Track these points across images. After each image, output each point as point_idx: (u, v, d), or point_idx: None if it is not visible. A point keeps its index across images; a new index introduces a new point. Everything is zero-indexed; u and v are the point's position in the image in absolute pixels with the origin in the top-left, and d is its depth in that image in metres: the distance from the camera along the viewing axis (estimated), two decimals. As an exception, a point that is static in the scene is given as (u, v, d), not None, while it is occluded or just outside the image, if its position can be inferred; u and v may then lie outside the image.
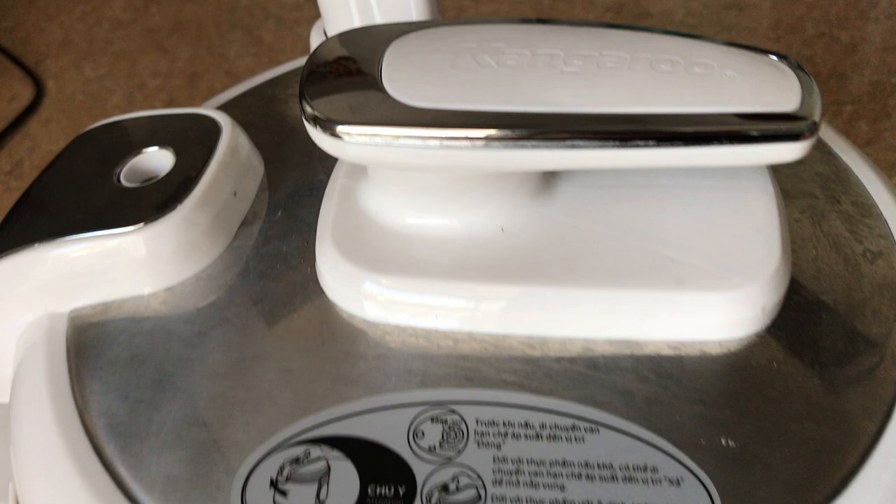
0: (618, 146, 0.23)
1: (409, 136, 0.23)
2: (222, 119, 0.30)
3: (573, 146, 0.23)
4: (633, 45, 0.25)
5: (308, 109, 0.24)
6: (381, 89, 0.24)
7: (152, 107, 0.83)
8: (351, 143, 0.23)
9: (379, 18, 0.31)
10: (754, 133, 0.23)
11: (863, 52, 0.82)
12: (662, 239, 0.25)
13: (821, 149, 0.31)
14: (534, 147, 0.23)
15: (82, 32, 0.93)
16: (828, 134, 0.32)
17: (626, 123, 0.23)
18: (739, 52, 0.25)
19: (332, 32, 0.32)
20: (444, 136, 0.23)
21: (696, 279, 0.24)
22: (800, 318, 0.25)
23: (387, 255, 0.25)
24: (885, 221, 0.28)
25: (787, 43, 0.83)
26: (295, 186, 0.30)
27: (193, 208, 0.27)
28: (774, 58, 0.25)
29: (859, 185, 0.30)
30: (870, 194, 0.29)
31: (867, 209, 0.29)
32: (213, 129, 0.29)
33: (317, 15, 0.33)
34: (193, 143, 0.29)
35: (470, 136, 0.23)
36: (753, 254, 0.24)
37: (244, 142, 0.30)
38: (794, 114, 0.23)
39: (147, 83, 0.86)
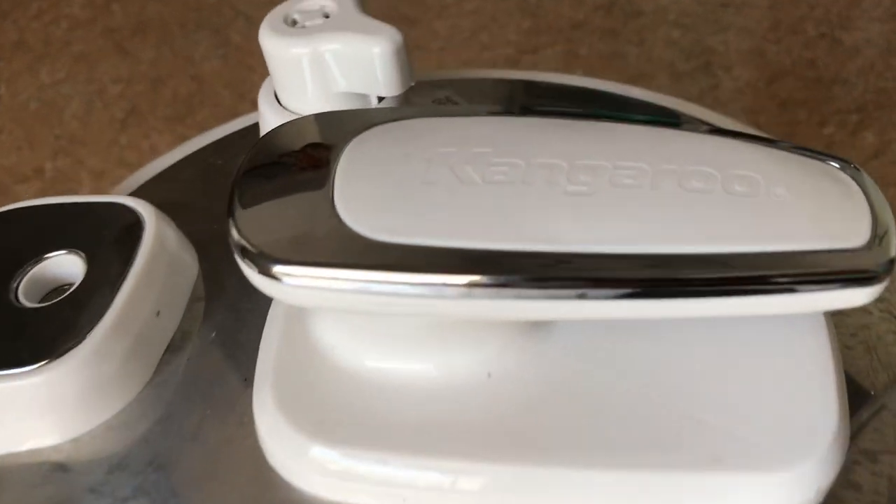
0: (638, 298, 0.17)
1: (368, 281, 0.18)
2: (145, 211, 0.24)
3: (580, 297, 0.17)
4: (654, 151, 0.19)
5: (235, 235, 0.18)
6: (334, 213, 0.18)
7: (111, 116, 0.77)
8: (291, 286, 0.18)
9: (341, 83, 0.26)
10: (814, 280, 0.17)
11: (866, 56, 0.78)
12: (691, 395, 0.20)
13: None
14: (529, 298, 0.17)
15: (38, 32, 0.87)
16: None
17: (649, 268, 0.17)
18: (788, 158, 0.19)
19: (282, 96, 0.27)
20: (412, 282, 0.17)
21: (737, 454, 0.19)
22: (858, 496, 0.20)
23: (341, 413, 0.20)
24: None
25: (788, 45, 0.78)
26: (237, 293, 0.24)
27: (106, 337, 0.21)
28: (833, 164, 0.19)
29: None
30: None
31: (931, 329, 0.23)
32: (133, 225, 0.24)
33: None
34: (109, 245, 0.23)
35: (447, 282, 0.17)
36: (805, 417, 0.19)
37: (171, 237, 0.24)
38: (863, 248, 0.18)
39: (107, 89, 0.80)
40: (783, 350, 0.20)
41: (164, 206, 0.26)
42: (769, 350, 0.20)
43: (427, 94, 0.31)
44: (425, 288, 0.17)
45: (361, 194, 0.18)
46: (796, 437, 0.19)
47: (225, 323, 0.24)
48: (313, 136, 0.20)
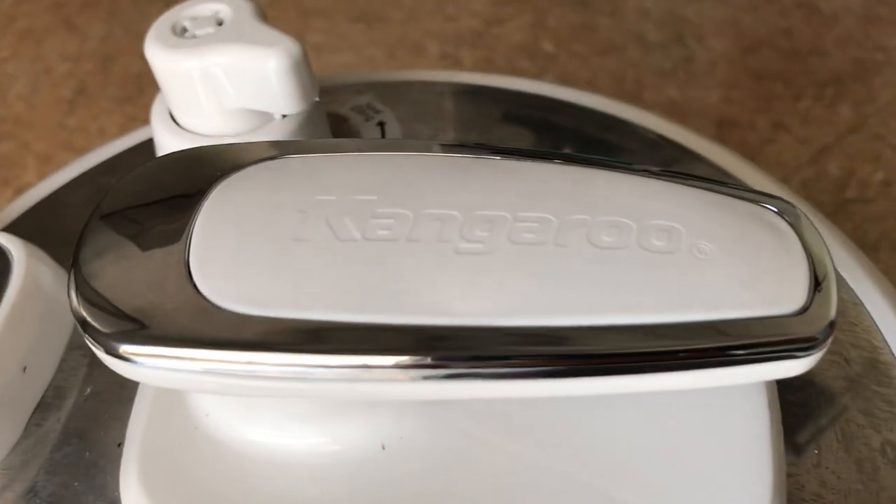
0: (534, 378, 0.15)
1: (221, 362, 0.15)
2: (14, 248, 0.22)
3: (467, 377, 0.15)
4: (564, 195, 0.17)
5: (76, 304, 0.16)
6: (188, 279, 0.16)
7: (59, 96, 0.73)
8: (141, 366, 0.15)
9: (234, 101, 0.23)
10: (742, 355, 0.15)
11: (845, 24, 0.75)
12: (608, 468, 0.17)
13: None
14: (410, 381, 0.15)
15: (-21, 7, 0.83)
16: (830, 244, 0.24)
17: (548, 345, 0.15)
18: (717, 202, 0.17)
19: (176, 113, 0.24)
20: (273, 363, 0.15)
21: (654, 540, 0.17)
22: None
23: (211, 495, 0.18)
24: (909, 388, 0.21)
25: (763, 14, 0.75)
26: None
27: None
28: (769, 206, 0.17)
29: (873, 330, 0.22)
30: (888, 344, 0.22)
31: (885, 371, 0.21)
32: (1, 265, 0.21)
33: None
34: (-30, 290, 0.21)
35: (312, 363, 0.15)
36: (735, 490, 0.17)
37: (47, 278, 0.22)
38: (800, 312, 0.15)
39: (54, 67, 0.76)
40: (713, 410, 0.18)
41: (46, 236, 0.23)
42: (697, 411, 0.18)
43: (346, 100, 0.28)
44: (290, 369, 0.15)
45: (220, 255, 0.16)
46: (724, 519, 0.17)
47: (105, 376, 0.21)
48: (175, 181, 0.17)
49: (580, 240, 0.16)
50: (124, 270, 0.16)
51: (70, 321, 0.22)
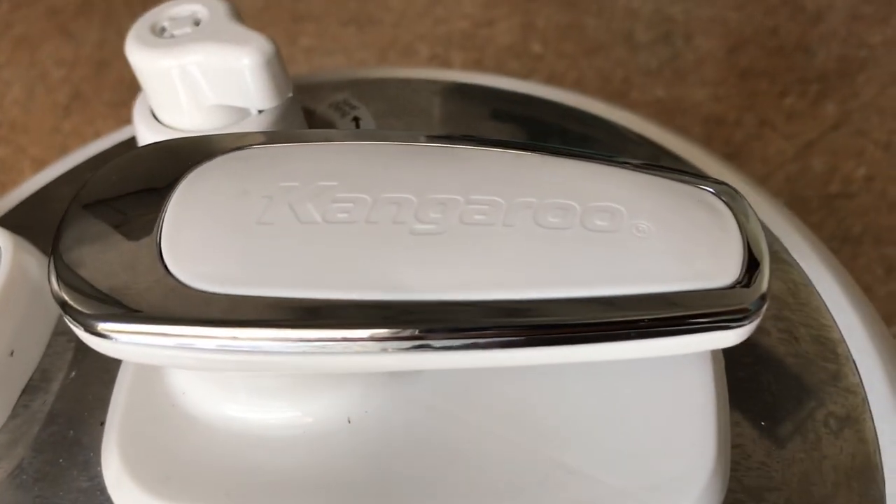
0: (484, 348, 0.16)
1: (192, 337, 0.16)
2: (1, 239, 0.23)
3: (422, 349, 0.16)
4: (512, 180, 0.18)
5: (55, 287, 0.17)
6: (160, 261, 0.17)
7: (54, 101, 0.75)
8: (118, 343, 0.16)
9: (211, 98, 0.24)
10: (676, 325, 0.16)
11: (829, 22, 0.76)
12: (559, 438, 0.19)
13: (775, 255, 0.24)
14: (367, 353, 0.16)
15: (-23, 14, 0.84)
16: (784, 229, 0.25)
17: (496, 316, 0.16)
18: (659, 185, 0.18)
19: (157, 111, 0.25)
20: (239, 337, 0.16)
21: (603, 502, 0.18)
22: (741, 538, 0.19)
23: (188, 466, 0.19)
24: (854, 364, 0.22)
25: (749, 12, 0.76)
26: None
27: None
28: (707, 188, 0.18)
29: (822, 309, 0.23)
30: (836, 323, 0.23)
31: (831, 348, 0.22)
32: (-12, 257, 0.22)
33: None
34: (-40, 279, 0.22)
35: (277, 336, 0.16)
36: (680, 462, 0.18)
37: (33, 268, 0.23)
38: (733, 286, 0.16)
39: (50, 73, 0.77)
40: (660, 382, 0.19)
41: (35, 229, 0.25)
42: (645, 383, 0.19)
43: (323, 97, 0.29)
44: (254, 343, 0.16)
45: (190, 238, 0.17)
46: (667, 479, 0.18)
47: (89, 360, 0.23)
48: (148, 170, 0.18)
49: (527, 220, 0.17)
50: (101, 255, 0.17)
51: (56, 308, 0.23)
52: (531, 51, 0.74)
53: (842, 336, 0.22)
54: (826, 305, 0.23)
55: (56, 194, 0.28)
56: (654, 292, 0.16)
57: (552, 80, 0.72)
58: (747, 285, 0.17)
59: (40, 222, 0.25)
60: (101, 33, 0.81)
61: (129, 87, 0.74)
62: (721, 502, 0.18)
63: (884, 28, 0.74)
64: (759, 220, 0.18)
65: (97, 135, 0.71)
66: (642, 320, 0.16)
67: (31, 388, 0.22)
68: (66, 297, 0.17)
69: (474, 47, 0.75)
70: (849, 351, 0.22)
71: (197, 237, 0.17)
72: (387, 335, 0.16)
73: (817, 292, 0.24)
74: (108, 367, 0.22)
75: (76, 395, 0.22)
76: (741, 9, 0.77)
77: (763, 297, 0.17)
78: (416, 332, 0.16)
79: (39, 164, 0.69)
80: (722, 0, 0.79)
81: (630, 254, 0.17)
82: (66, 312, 0.17)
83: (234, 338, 0.16)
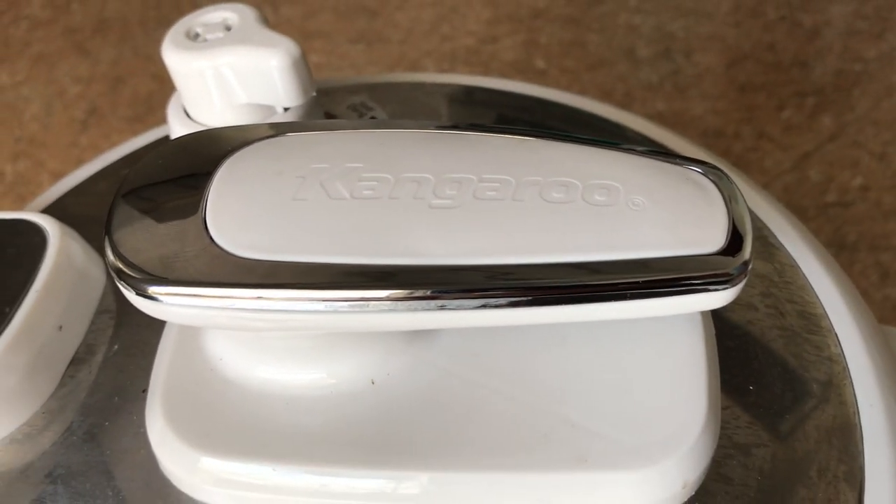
0: (494, 307, 0.18)
1: (235, 298, 0.18)
2: (49, 227, 0.25)
3: (440, 308, 0.18)
4: (520, 162, 0.20)
5: (111, 257, 0.19)
6: (206, 233, 0.19)
7: (71, 117, 0.77)
8: (166, 305, 0.18)
9: (242, 96, 0.26)
10: (666, 287, 0.18)
11: (825, 38, 0.78)
12: (563, 396, 0.20)
13: (762, 239, 0.26)
14: (390, 311, 0.18)
15: (-3, 33, 0.87)
16: (770, 214, 0.27)
17: (503, 279, 0.18)
18: (653, 166, 0.20)
19: (191, 109, 0.27)
20: (276, 298, 0.18)
21: (602, 453, 0.19)
22: (729, 489, 0.21)
23: (228, 423, 0.21)
24: (836, 337, 0.24)
25: (747, 28, 0.79)
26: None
27: (6, 352, 0.22)
28: (697, 169, 0.20)
29: (807, 287, 0.25)
30: (819, 300, 0.25)
31: (815, 322, 0.24)
32: (37, 241, 0.24)
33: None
34: (10, 261, 0.24)
35: (310, 297, 0.18)
36: (672, 415, 0.20)
37: (77, 253, 0.25)
38: (718, 253, 0.18)
39: (67, 90, 0.80)
40: (656, 347, 0.21)
41: (77, 219, 0.27)
42: (642, 347, 0.21)
43: (342, 99, 0.31)
44: (288, 303, 0.18)
45: (232, 213, 0.19)
46: (662, 433, 0.20)
47: (130, 335, 0.25)
48: (192, 155, 0.21)
49: (534, 196, 0.19)
50: (150, 230, 0.19)
51: (98, 289, 0.26)
52: (535, 66, 0.76)
53: (825, 311, 0.24)
54: (810, 284, 0.25)
55: (94, 189, 0.30)
56: (648, 257, 0.18)
57: (555, 94, 0.74)
58: (732, 253, 0.19)
59: (80, 214, 0.28)
60: (116, 51, 0.83)
61: (145, 103, 0.76)
62: (711, 456, 0.20)
63: (878, 43, 0.76)
64: (746, 202, 0.20)
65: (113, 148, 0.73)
66: (637, 282, 0.18)
67: (77, 361, 0.24)
68: (121, 265, 0.19)
69: (479, 63, 0.77)
70: (831, 324, 0.24)
71: (238, 212, 0.19)
72: (407, 295, 0.18)
73: (802, 272, 0.25)
74: (148, 341, 0.24)
75: (119, 366, 0.24)
76: (740, 25, 0.79)
77: (746, 264, 0.19)
78: (433, 293, 0.18)
79: (58, 178, 0.72)
80: (721, 17, 0.81)
81: (626, 224, 0.19)
82: (120, 279, 0.19)
83: (271, 298, 0.18)
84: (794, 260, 0.26)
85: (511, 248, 0.18)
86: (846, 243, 0.61)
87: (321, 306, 0.18)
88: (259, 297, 0.18)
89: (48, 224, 0.25)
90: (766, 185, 0.67)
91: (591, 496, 0.19)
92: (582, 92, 0.74)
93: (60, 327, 0.24)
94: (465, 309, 0.18)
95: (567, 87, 0.74)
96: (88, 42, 0.85)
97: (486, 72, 0.77)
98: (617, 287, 0.18)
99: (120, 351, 0.24)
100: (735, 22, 0.81)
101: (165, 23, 0.85)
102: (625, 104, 0.73)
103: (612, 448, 0.19)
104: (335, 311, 0.18)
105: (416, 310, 0.18)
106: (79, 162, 0.72)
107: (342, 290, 0.18)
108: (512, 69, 0.77)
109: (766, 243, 0.26)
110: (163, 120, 0.28)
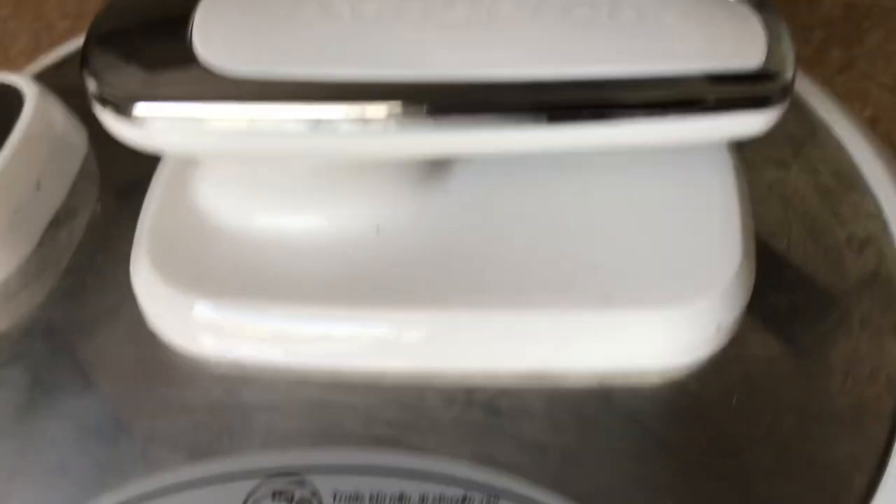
0: (507, 125, 0.16)
1: (224, 116, 0.16)
2: (27, 89, 0.23)
3: (446, 127, 0.16)
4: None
5: (91, 84, 0.17)
6: (192, 52, 0.17)
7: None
8: (153, 129, 0.17)
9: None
10: (704, 100, 0.16)
11: (835, -30, 0.76)
12: (587, 238, 0.19)
13: (794, 104, 0.25)
14: (403, 130, 0.16)
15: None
16: (802, 84, 0.25)
17: (520, 93, 0.16)
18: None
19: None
20: (270, 115, 0.16)
21: (630, 292, 0.18)
22: (766, 335, 0.19)
23: (220, 268, 0.19)
24: (874, 195, 0.22)
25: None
26: (128, 169, 0.23)
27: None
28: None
29: (841, 149, 0.23)
30: (854, 161, 0.23)
31: (852, 181, 0.23)
32: (13, 102, 0.23)
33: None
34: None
35: (307, 115, 0.16)
36: (705, 255, 0.18)
37: (58, 117, 0.23)
38: (758, 72, 0.17)
39: (55, 25, 0.77)
40: (686, 190, 0.19)
41: (59, 89, 0.25)
42: (671, 191, 0.19)
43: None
44: (278, 123, 0.16)
45: (220, 32, 0.17)
46: (695, 273, 0.18)
47: (113, 200, 0.23)
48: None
49: (555, 12, 0.17)
50: (132, 52, 0.18)
51: (80, 155, 0.24)
52: None
53: (860, 171, 0.23)
54: (844, 145, 0.23)
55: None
56: (678, 71, 0.17)
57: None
58: (770, 70, 0.17)
59: (63, 85, 0.26)
60: (106, -13, 0.81)
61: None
62: (748, 299, 0.18)
63: (888, -23, 0.74)
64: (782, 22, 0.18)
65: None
66: (668, 98, 0.16)
67: (56, 223, 0.22)
68: (101, 87, 0.17)
69: None
70: (868, 184, 0.22)
71: (227, 31, 0.17)
72: (408, 110, 0.16)
73: (835, 134, 0.24)
74: (133, 204, 0.22)
75: (101, 229, 0.22)
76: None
77: (787, 85, 0.17)
78: (436, 107, 0.16)
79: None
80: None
81: (656, 40, 0.17)
82: (103, 104, 0.17)
83: (265, 116, 0.16)
84: (828, 124, 0.24)
85: (525, 59, 0.17)
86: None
87: (311, 126, 0.16)
88: (249, 113, 0.16)
89: (26, 87, 0.23)
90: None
91: (618, 338, 0.18)
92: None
93: (38, 184, 0.22)
94: (473, 127, 0.16)
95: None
96: (76, -22, 0.83)
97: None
98: (644, 104, 0.16)
99: (102, 213, 0.22)
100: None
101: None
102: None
103: (642, 286, 0.18)
104: (328, 131, 0.16)
105: (417, 129, 0.16)
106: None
107: (335, 104, 0.16)
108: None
109: (799, 108, 0.25)
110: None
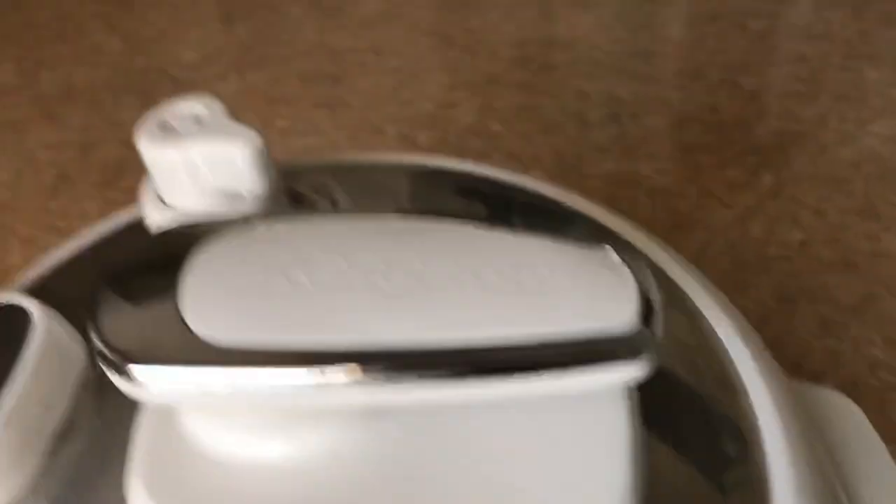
0: (429, 382, 0.21)
1: (208, 381, 0.21)
2: (35, 310, 0.27)
3: (395, 385, 0.21)
4: (455, 250, 0.23)
5: (96, 342, 0.21)
6: (181, 319, 0.21)
7: (42, 184, 0.79)
8: (147, 387, 0.21)
9: (212, 182, 0.29)
10: (584, 360, 0.21)
11: (765, 99, 0.82)
12: (495, 468, 0.23)
13: (680, 305, 0.29)
14: (345, 387, 0.21)
15: (-36, 100, 0.88)
16: (691, 285, 0.30)
17: (441, 356, 0.21)
18: (568, 249, 0.23)
19: (163, 194, 0.30)
20: (250, 379, 0.21)
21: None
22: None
23: (201, 493, 0.23)
24: (749, 397, 0.27)
25: (690, 91, 0.83)
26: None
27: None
28: (607, 248, 0.23)
29: (721, 350, 0.28)
30: (733, 362, 0.28)
31: (730, 383, 0.27)
32: (21, 325, 0.26)
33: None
34: (-1, 342, 0.26)
35: (274, 378, 0.21)
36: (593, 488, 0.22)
37: (62, 336, 0.27)
38: (629, 333, 0.21)
39: (37, 156, 0.81)
40: (581, 427, 0.23)
41: (57, 299, 0.29)
42: (568, 430, 0.23)
43: (305, 179, 0.34)
44: (256, 382, 0.21)
45: (205, 301, 0.22)
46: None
47: (111, 410, 0.27)
48: (165, 247, 0.23)
49: (469, 279, 0.22)
50: (130, 318, 0.22)
51: (79, 366, 0.28)
52: (491, 130, 0.79)
53: (738, 372, 0.27)
54: (724, 346, 0.28)
55: (72, 270, 0.32)
56: (555, 333, 0.21)
57: (511, 156, 0.77)
58: (642, 329, 0.21)
59: (59, 294, 0.30)
60: (85, 118, 0.85)
61: (114, 168, 0.78)
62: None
63: (814, 104, 0.81)
64: (660, 270, 0.23)
65: (83, 213, 0.74)
66: (541, 358, 0.21)
67: (60, 436, 0.26)
68: (106, 351, 0.21)
69: (438, 127, 0.80)
70: (745, 386, 0.27)
71: (212, 303, 0.22)
72: (359, 375, 0.21)
73: (718, 336, 0.28)
74: (128, 413, 0.26)
75: (100, 437, 0.26)
76: (683, 89, 0.84)
77: (654, 341, 0.21)
78: (381, 371, 0.21)
79: (28, 243, 0.73)
80: (666, 81, 0.86)
81: (542, 304, 0.21)
82: (106, 364, 0.21)
83: (243, 379, 0.21)
84: (710, 326, 0.29)
85: (444, 328, 0.21)
86: (787, 295, 0.64)
87: (285, 385, 0.21)
88: (226, 377, 0.21)
89: (34, 308, 0.27)
90: (710, 240, 0.69)
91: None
92: (536, 153, 0.77)
93: (47, 405, 0.26)
94: (408, 385, 0.21)
95: (522, 149, 0.77)
96: (57, 108, 0.88)
97: (445, 135, 0.80)
98: (535, 364, 0.21)
99: (101, 423, 0.26)
100: (679, 85, 0.85)
101: (133, 91, 0.87)
102: (576, 164, 0.76)
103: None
104: (296, 392, 0.21)
105: (370, 387, 0.21)
106: (50, 227, 0.74)
107: (302, 367, 0.20)
108: (469, 132, 0.80)
109: (684, 308, 0.29)
110: (131, 186, 0.31)
